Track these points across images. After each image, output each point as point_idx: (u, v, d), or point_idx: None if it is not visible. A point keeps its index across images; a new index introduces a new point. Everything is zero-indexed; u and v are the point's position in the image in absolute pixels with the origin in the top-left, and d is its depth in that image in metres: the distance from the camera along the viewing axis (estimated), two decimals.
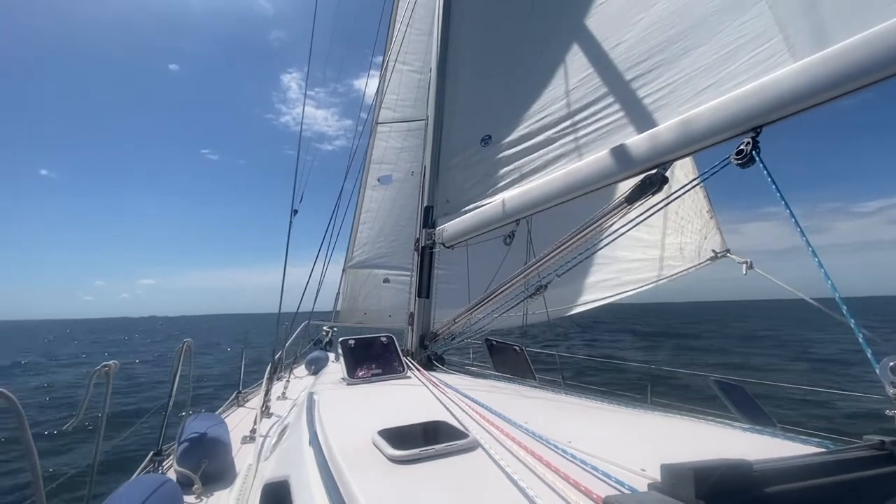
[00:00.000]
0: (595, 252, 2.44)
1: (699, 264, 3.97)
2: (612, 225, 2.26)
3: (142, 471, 2.37)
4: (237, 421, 3.20)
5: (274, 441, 2.41)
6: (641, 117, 2.33)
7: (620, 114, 2.49)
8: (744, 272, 2.87)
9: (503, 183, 3.22)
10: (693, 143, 1.88)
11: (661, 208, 2.06)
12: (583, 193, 2.35)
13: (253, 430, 2.99)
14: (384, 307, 7.34)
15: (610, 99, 2.56)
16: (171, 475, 2.20)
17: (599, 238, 2.36)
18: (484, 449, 1.32)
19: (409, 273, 6.96)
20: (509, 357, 3.93)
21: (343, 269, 7.44)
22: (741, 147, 1.70)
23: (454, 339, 3.61)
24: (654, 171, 2.03)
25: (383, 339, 2.98)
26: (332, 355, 5.29)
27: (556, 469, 1.14)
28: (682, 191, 2.07)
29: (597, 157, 2.28)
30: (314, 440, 1.57)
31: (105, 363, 1.58)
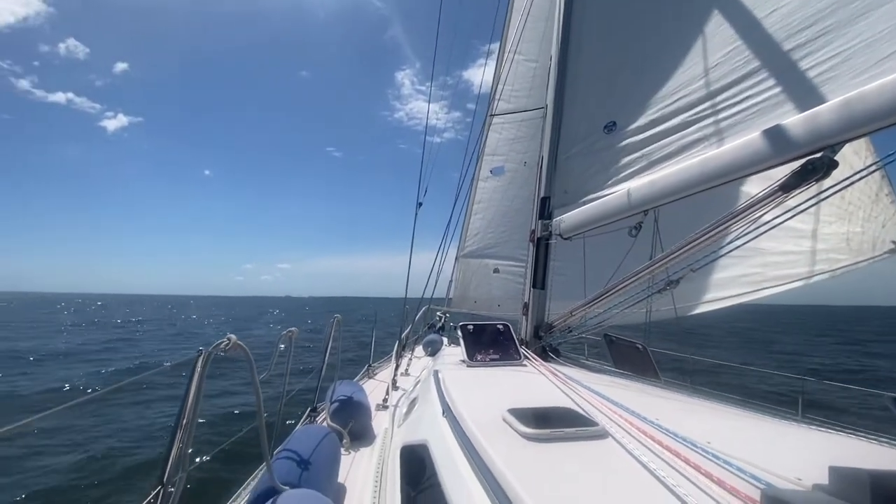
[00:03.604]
0: (738, 245, 2.21)
1: (873, 258, 3.26)
2: (761, 216, 2.02)
3: (302, 422, 2.83)
4: (370, 390, 3.61)
5: (404, 411, 2.69)
6: (803, 94, 2.04)
7: (775, 90, 2.21)
8: None
9: (628, 172, 3.07)
10: (873, 122, 1.60)
11: (828, 196, 1.79)
12: (725, 182, 2.13)
13: (385, 400, 3.35)
14: (494, 296, 7.49)
15: (762, 75, 2.29)
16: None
17: (745, 230, 2.13)
18: (615, 438, 1.33)
19: (518, 263, 7.00)
20: (631, 355, 3.74)
21: (456, 258, 7.75)
22: None
23: (570, 331, 3.56)
24: (818, 155, 1.77)
25: (500, 326, 3.09)
26: (445, 339, 5.63)
27: (696, 465, 1.12)
28: (858, 176, 1.78)
29: (744, 141, 2.05)
30: (447, 412, 1.73)
31: (289, 329, 1.96)
